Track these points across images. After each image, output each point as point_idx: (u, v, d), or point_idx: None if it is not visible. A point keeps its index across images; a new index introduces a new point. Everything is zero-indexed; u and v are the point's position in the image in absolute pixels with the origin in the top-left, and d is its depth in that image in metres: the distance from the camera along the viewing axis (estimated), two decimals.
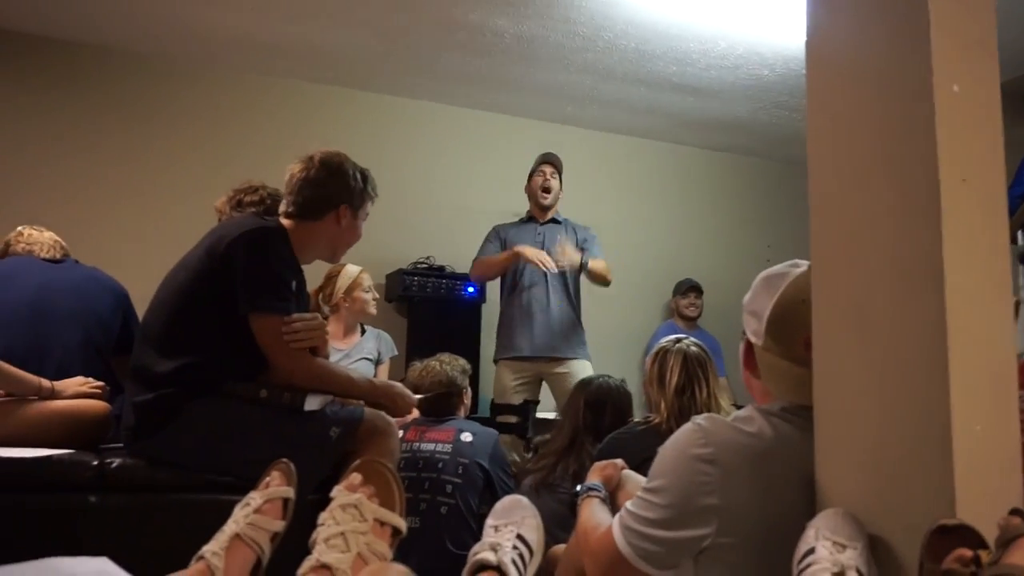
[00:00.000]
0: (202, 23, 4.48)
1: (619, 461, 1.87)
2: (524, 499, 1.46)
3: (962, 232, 1.09)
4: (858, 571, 1.03)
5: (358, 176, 2.49)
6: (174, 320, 2.23)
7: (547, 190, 4.51)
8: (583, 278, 4.49)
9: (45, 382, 2.40)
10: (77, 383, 2.47)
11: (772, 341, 1.41)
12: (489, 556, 1.19)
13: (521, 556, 1.25)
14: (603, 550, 1.39)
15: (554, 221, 4.56)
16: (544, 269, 4.23)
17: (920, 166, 1.11)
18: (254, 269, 2.22)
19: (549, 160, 4.58)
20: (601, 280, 4.42)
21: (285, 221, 2.42)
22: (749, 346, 1.50)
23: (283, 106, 5.13)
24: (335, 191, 2.44)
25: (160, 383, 2.16)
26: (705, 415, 1.39)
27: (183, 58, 4.93)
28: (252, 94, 5.11)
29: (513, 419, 4.06)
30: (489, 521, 1.38)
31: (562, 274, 4.40)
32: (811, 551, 1.07)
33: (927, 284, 1.09)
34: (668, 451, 1.39)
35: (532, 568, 1.29)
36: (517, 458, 3.83)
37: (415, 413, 3.06)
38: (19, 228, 3.02)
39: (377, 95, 5.36)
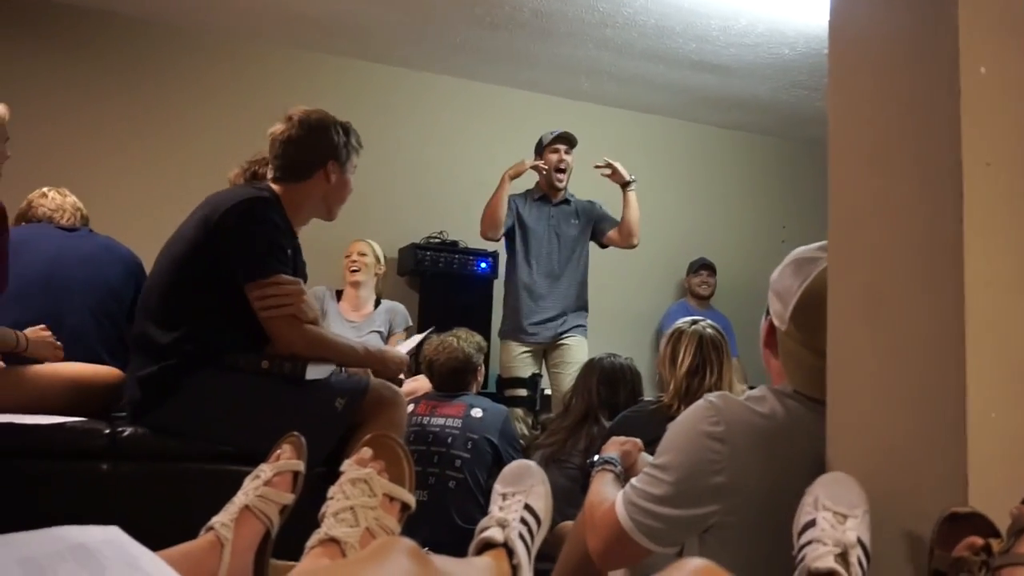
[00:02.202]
0: None
1: (638, 441, 1.85)
2: (533, 464, 1.44)
3: (984, 218, 1.07)
4: (860, 543, 1.03)
5: (340, 130, 2.47)
6: (171, 291, 2.23)
7: (562, 170, 4.34)
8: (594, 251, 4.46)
9: (21, 335, 2.38)
10: (43, 337, 2.44)
11: (795, 329, 1.38)
12: (496, 534, 1.17)
13: (529, 529, 1.23)
14: (606, 525, 1.38)
15: (565, 202, 4.44)
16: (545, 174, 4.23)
17: (943, 149, 1.09)
18: (249, 239, 2.22)
19: (564, 138, 4.37)
20: (628, 235, 4.31)
21: (275, 186, 2.40)
22: (771, 326, 1.47)
23: (301, 78, 5.11)
24: (319, 148, 2.42)
25: (162, 355, 2.16)
26: (718, 393, 1.36)
27: (203, 28, 4.92)
28: (270, 65, 5.10)
29: (523, 392, 4.08)
30: (497, 487, 1.36)
31: (572, 248, 4.36)
32: (812, 523, 1.06)
33: (946, 269, 1.07)
34: (678, 427, 1.37)
35: (539, 538, 1.29)
36: (526, 431, 3.85)
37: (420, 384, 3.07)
38: (43, 189, 3.00)
39: (395, 68, 5.34)
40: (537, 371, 4.24)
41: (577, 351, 4.23)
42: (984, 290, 1.06)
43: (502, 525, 1.18)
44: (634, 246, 4.40)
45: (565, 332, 4.31)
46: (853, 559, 0.99)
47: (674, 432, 1.37)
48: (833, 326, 1.29)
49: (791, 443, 1.30)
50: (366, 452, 1.11)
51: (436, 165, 5.38)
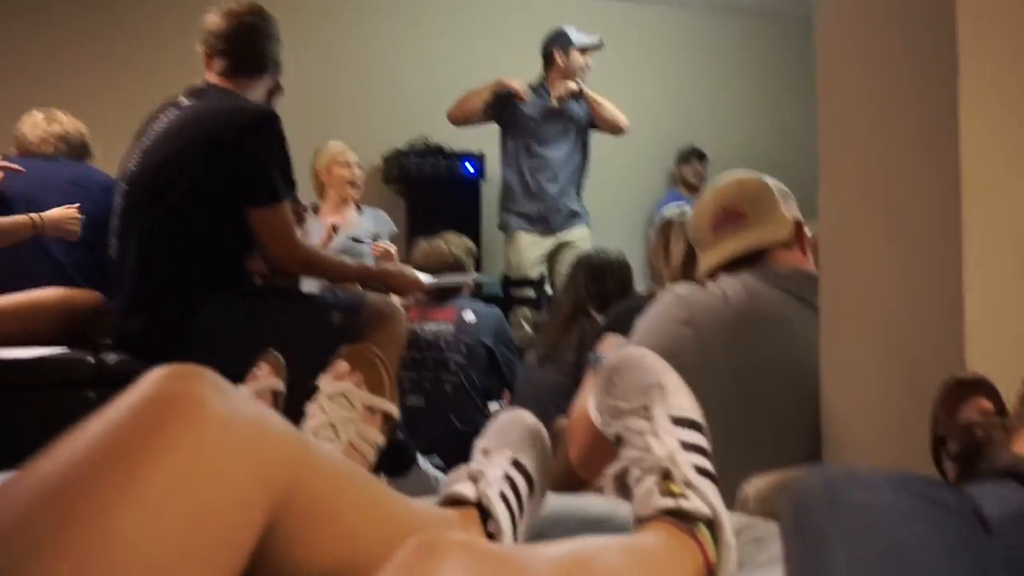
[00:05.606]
0: None
1: None
2: (526, 415, 1.04)
3: (979, 89, 1.02)
4: (677, 423, 0.88)
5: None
6: (198, 226, 2.12)
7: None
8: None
9: (35, 216, 2.36)
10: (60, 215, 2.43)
11: None
12: (466, 490, 0.85)
13: (516, 491, 0.89)
14: (582, 431, 1.35)
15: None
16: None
17: (937, 18, 1.03)
18: (274, 157, 2.12)
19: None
20: (611, 122, 4.28)
21: (218, 79, 2.23)
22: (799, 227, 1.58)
23: None
24: (275, 42, 2.29)
25: (178, 293, 2.10)
26: (681, 284, 1.49)
27: None
28: None
29: (531, 292, 4.05)
30: (479, 443, 0.99)
31: (576, 132, 4.30)
32: (622, 442, 0.89)
33: (942, 144, 1.03)
34: (648, 321, 1.46)
35: (532, 507, 0.94)
36: (531, 331, 3.83)
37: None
38: (35, 114, 2.84)
39: None
40: (544, 272, 4.21)
41: (584, 244, 4.18)
42: (980, 164, 1.03)
43: (474, 479, 0.87)
44: (620, 130, 4.35)
45: (575, 225, 4.32)
46: (680, 470, 0.81)
47: (645, 326, 1.46)
48: (824, 204, 1.28)
49: (752, 319, 1.40)
50: (342, 366, 1.07)
51: (412, 70, 5.22)
